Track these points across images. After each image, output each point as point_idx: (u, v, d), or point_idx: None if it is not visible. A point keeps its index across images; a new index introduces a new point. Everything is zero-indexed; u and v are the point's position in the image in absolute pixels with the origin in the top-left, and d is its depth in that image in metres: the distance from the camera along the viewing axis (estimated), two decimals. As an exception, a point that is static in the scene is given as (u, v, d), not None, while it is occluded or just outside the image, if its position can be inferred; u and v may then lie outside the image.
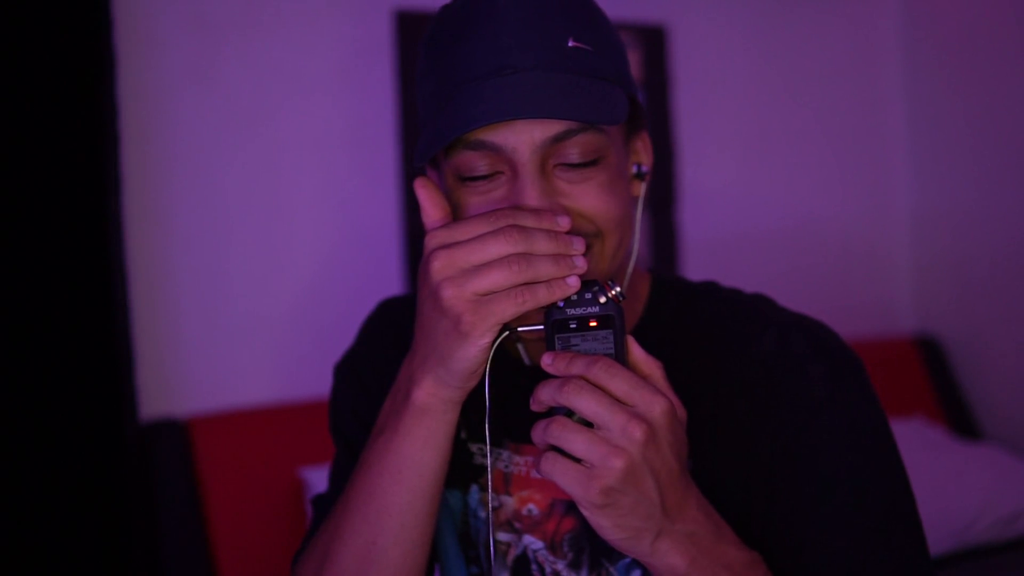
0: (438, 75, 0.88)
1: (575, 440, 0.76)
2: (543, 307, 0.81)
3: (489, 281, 0.78)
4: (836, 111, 2.95)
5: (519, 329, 0.83)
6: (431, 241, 0.82)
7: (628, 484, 0.76)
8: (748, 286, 1.08)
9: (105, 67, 1.92)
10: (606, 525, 0.77)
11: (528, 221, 0.80)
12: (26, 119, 1.86)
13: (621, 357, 0.80)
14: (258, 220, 2.28)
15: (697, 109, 2.72)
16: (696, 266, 2.70)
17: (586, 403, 0.76)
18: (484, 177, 0.87)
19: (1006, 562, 2.21)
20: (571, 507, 0.97)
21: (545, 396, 0.78)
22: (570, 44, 0.86)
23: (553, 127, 0.84)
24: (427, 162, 0.92)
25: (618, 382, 0.77)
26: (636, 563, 0.93)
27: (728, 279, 1.11)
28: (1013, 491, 2.29)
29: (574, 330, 0.80)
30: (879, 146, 3.01)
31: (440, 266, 0.80)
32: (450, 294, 0.79)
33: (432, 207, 0.86)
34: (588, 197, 0.87)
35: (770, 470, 0.92)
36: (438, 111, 0.87)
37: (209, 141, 2.23)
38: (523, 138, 0.84)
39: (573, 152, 0.86)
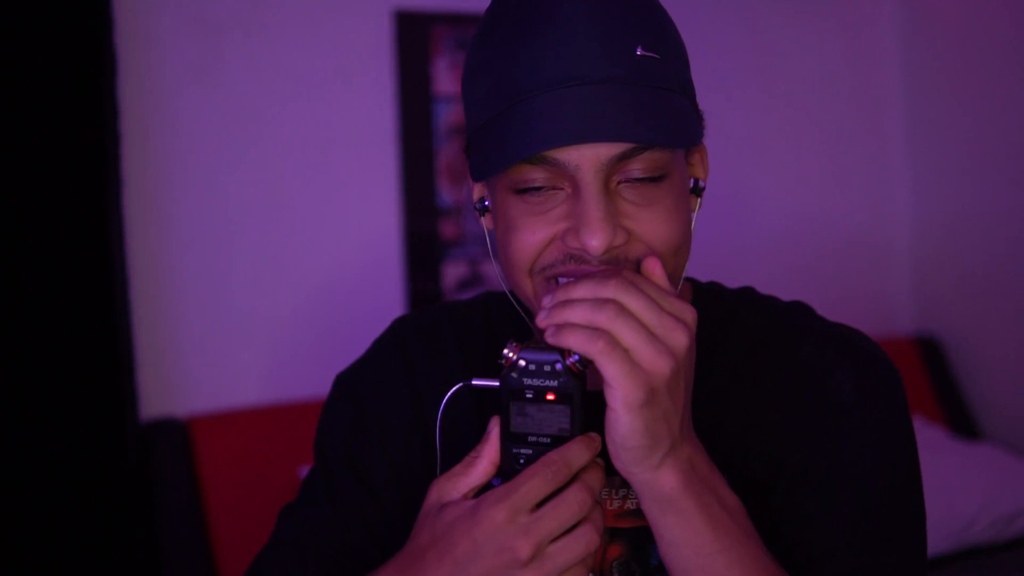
0: (494, 76, 0.83)
1: (634, 329, 0.73)
2: (501, 365, 0.77)
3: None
4: (836, 112, 2.94)
5: (473, 382, 0.80)
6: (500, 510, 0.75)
7: (670, 388, 0.74)
8: (749, 286, 1.08)
9: (105, 67, 1.92)
10: (638, 427, 0.74)
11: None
12: (27, 119, 1.86)
13: (576, 433, 0.77)
14: (258, 220, 2.28)
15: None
16: (696, 266, 2.68)
17: (636, 300, 0.74)
18: (541, 190, 0.83)
19: (1006, 562, 2.21)
20: (614, 534, 0.93)
21: (581, 316, 0.74)
22: (639, 52, 0.81)
23: (620, 145, 0.79)
24: (484, 177, 0.86)
25: (650, 288, 0.76)
26: None
27: (728, 279, 1.11)
28: (1013, 491, 2.29)
29: (530, 400, 0.77)
30: (879, 146, 3.01)
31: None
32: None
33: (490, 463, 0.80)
34: (652, 223, 0.83)
35: (794, 476, 0.90)
36: (496, 117, 0.82)
37: (209, 141, 2.23)
38: (587, 155, 0.79)
39: (638, 169, 0.82)
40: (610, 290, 0.74)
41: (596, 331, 0.73)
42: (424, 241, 2.42)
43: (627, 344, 0.73)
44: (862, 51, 2.98)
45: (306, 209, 2.33)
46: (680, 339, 0.74)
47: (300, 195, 2.32)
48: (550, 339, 0.75)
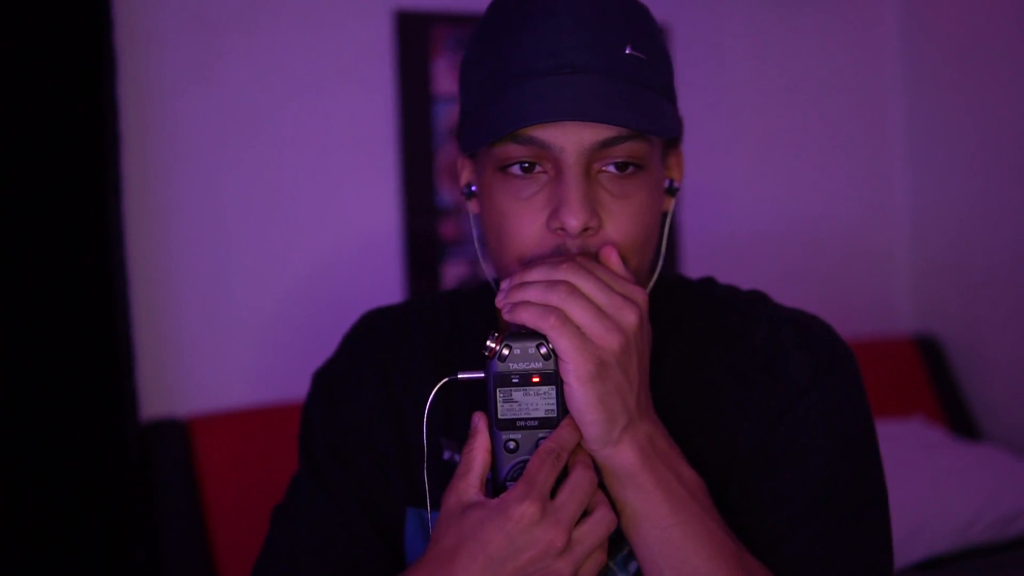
0: (491, 64, 0.88)
1: (584, 308, 0.78)
2: (485, 357, 0.82)
3: None
4: (836, 111, 2.95)
5: (459, 376, 0.84)
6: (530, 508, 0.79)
7: (621, 362, 0.79)
8: (748, 286, 1.08)
9: (105, 67, 1.92)
10: (592, 400, 0.79)
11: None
12: (26, 119, 1.86)
13: (562, 413, 0.81)
14: (258, 219, 2.28)
15: (697, 109, 2.70)
16: (696, 266, 2.70)
17: (586, 282, 0.79)
18: (526, 171, 0.88)
19: (1006, 562, 2.21)
20: None
21: (535, 295, 0.80)
22: (627, 51, 0.87)
23: (603, 132, 0.85)
24: (468, 153, 0.93)
25: (601, 272, 0.81)
26: (632, 556, 0.93)
27: (728, 279, 1.11)
28: (1013, 491, 2.29)
29: (516, 385, 0.81)
30: (879, 146, 3.01)
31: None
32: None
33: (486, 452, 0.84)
34: (623, 216, 0.88)
35: (749, 458, 0.93)
36: (489, 101, 0.87)
37: (209, 141, 2.23)
38: (572, 139, 0.85)
39: (618, 159, 0.87)
40: (562, 273, 0.80)
41: (548, 308, 0.79)
42: (424, 241, 2.42)
43: (578, 321, 0.79)
44: (864, 50, 2.98)
45: (306, 209, 2.33)
46: (629, 317, 0.79)
47: (300, 195, 2.32)
48: (507, 316, 0.81)
